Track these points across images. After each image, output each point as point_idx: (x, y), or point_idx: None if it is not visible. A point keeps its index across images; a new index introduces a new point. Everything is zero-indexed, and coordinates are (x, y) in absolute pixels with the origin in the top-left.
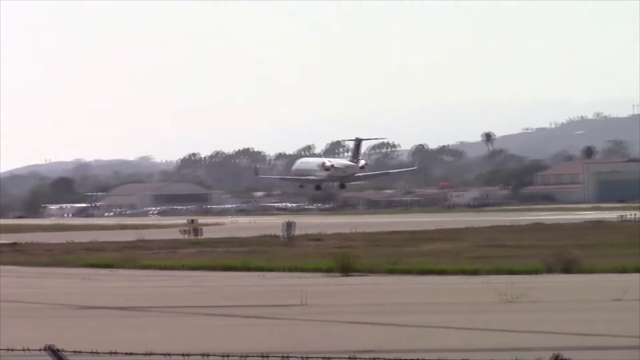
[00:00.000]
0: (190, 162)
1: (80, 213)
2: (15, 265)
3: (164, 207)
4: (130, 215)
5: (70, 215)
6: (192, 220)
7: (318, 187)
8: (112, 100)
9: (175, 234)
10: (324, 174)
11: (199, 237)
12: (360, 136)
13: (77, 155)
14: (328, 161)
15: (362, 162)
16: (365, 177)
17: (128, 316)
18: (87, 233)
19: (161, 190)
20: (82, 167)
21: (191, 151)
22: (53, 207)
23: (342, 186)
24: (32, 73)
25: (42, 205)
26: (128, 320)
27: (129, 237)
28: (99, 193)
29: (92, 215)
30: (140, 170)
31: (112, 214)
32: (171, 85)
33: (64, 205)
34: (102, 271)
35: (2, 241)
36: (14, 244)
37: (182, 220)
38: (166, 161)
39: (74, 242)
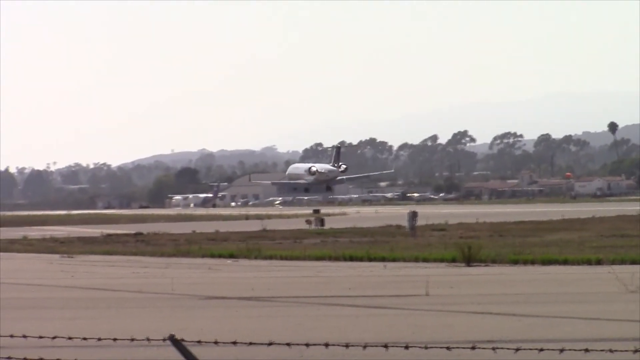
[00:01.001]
0: (315, 152)
1: (204, 203)
2: (139, 255)
3: (288, 198)
4: (254, 205)
5: (194, 205)
6: (316, 211)
7: (307, 190)
8: (237, 92)
9: (299, 224)
10: (311, 177)
11: (323, 227)
12: (342, 142)
13: (202, 146)
14: (313, 166)
15: (343, 167)
16: (347, 179)
17: (252, 306)
18: (211, 223)
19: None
20: (206, 157)
21: (315, 141)
22: (177, 197)
23: (329, 188)
24: (151, 64)
25: (167, 196)
26: (252, 311)
27: (253, 227)
28: (223, 183)
29: (216, 206)
30: (264, 161)
31: (236, 204)
32: (296, 76)
33: (188, 196)
34: (227, 261)
35: (126, 231)
36: (138, 234)
37: (306, 210)
38: (291, 151)
39: (198, 232)
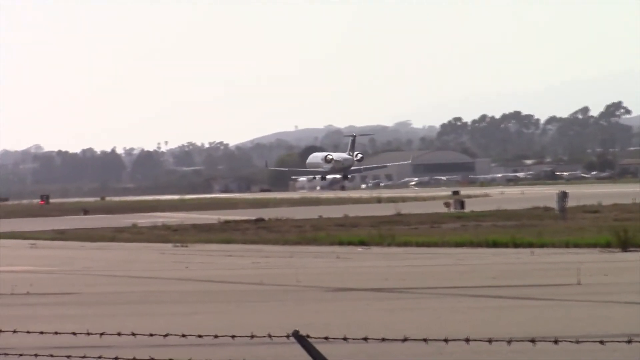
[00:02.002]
0: (453, 127)
1: (332, 185)
2: (260, 243)
3: (424, 178)
4: (387, 187)
5: (321, 187)
6: (456, 192)
7: (323, 178)
8: (364, 62)
9: (437, 207)
10: (328, 166)
11: (463, 210)
12: (355, 133)
13: (328, 122)
14: (329, 155)
15: (359, 156)
16: (365, 169)
17: (385, 298)
18: (340, 207)
19: (421, 159)
20: (333, 134)
21: (454, 115)
22: (302, 178)
23: (345, 177)
24: (267, 34)
25: (291, 177)
26: (384, 303)
27: (385, 211)
28: None
29: (345, 188)
30: (398, 137)
31: (367, 185)
32: (430, 44)
33: (314, 177)
34: (357, 249)
35: (246, 217)
36: (260, 220)
37: (444, 192)
38: (427, 127)
39: (325, 218)
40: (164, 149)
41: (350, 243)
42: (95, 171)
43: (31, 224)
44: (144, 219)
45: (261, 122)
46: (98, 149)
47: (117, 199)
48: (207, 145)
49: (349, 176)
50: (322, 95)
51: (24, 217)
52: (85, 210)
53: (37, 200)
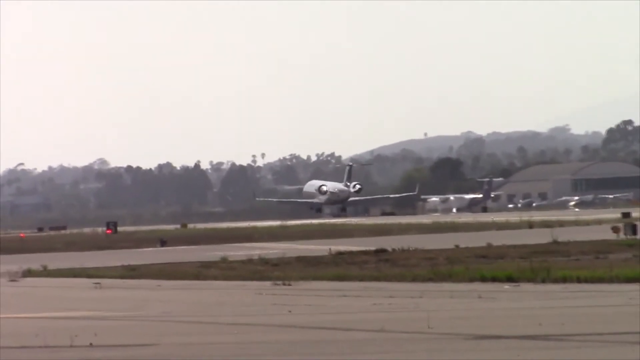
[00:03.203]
0: (622, 133)
1: (471, 206)
2: (382, 280)
3: (586, 196)
4: (541, 207)
5: (457, 209)
6: (626, 214)
7: (318, 210)
8: (511, 59)
9: (603, 233)
10: (323, 197)
11: (636, 236)
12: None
13: (466, 127)
14: (324, 185)
15: (356, 186)
16: (366, 200)
17: (539, 348)
18: (481, 234)
19: (582, 173)
20: (472, 142)
21: (623, 118)
22: (434, 198)
23: (343, 209)
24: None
25: (420, 197)
26: (539, 354)
27: (539, 239)
28: (497, 178)
29: (487, 209)
30: (553, 146)
31: (515, 206)
32: (593, 36)
33: (448, 197)
34: (504, 286)
35: (363, 247)
36: (381, 250)
37: (612, 214)
38: (589, 132)
39: (462, 247)
40: (260, 163)
41: (494, 279)
42: (174, 191)
43: (95, 259)
44: (236, 251)
45: (382, 129)
46: (177, 164)
47: (202, 226)
48: (314, 159)
49: (346, 208)
50: (458, 96)
51: (87, 250)
52: (163, 241)
53: (102, 229)
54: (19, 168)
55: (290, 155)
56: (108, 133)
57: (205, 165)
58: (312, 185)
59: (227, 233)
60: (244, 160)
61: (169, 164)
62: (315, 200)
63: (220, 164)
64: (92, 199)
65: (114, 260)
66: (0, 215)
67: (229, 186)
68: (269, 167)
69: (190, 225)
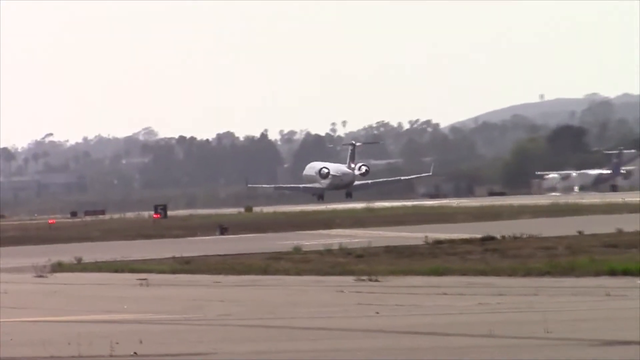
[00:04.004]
0: None
1: (597, 184)
2: (489, 275)
3: None
4: None
5: (580, 188)
6: None
7: (321, 197)
8: None
9: None
10: (325, 181)
11: None
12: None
13: (590, 89)
14: (325, 168)
15: (362, 168)
16: (374, 183)
17: None
18: (610, 218)
19: None
20: (598, 107)
21: None
22: (552, 175)
23: (348, 194)
24: None
25: (535, 173)
26: None
27: None
28: (630, 150)
29: (617, 188)
30: None
31: None
32: None
33: (570, 173)
34: (638, 281)
35: (466, 235)
36: (488, 238)
37: None
38: None
39: (587, 234)
40: (341, 132)
41: (626, 272)
42: (236, 167)
43: (141, 249)
44: (312, 240)
45: (489, 92)
46: (240, 134)
47: (269, 209)
48: (406, 126)
49: (352, 193)
50: (580, 51)
51: (130, 239)
52: (223, 228)
53: (149, 213)
54: (47, 140)
55: (378, 122)
56: (155, 97)
57: (274, 136)
58: (312, 167)
59: (301, 218)
60: (321, 129)
61: (229, 134)
62: (316, 185)
63: (292, 133)
64: (137, 177)
65: (163, 251)
66: (26, 197)
67: (302, 160)
68: (352, 137)
69: (256, 209)
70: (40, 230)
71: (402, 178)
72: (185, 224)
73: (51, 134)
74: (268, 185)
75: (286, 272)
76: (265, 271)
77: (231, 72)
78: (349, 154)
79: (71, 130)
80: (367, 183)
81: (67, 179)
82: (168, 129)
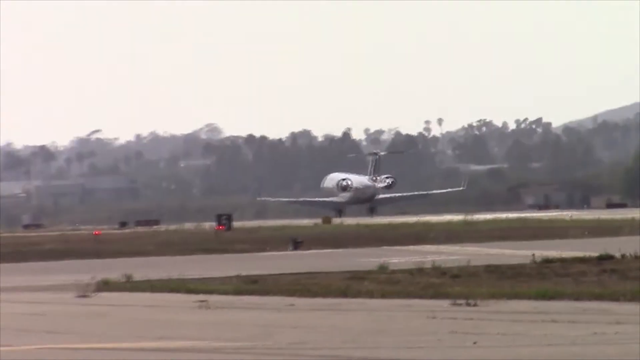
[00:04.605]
0: None
1: None
2: (607, 299)
3: None
4: None
5: None
6: None
7: (340, 212)
8: None
9: None
10: (345, 195)
11: None
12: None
13: None
14: (345, 179)
15: (387, 180)
16: (400, 197)
17: None
18: None
19: None
20: None
21: None
22: None
23: (372, 209)
24: None
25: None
26: None
27: None
28: None
29: None
30: None
31: None
32: None
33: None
34: None
35: (583, 253)
36: (606, 257)
37: None
38: None
39: None
40: (436, 131)
41: None
42: (313, 171)
43: (201, 266)
44: (401, 257)
45: (610, 87)
46: (319, 133)
47: (351, 220)
48: (512, 126)
49: (375, 208)
50: None
51: (188, 254)
52: (297, 241)
53: (211, 224)
54: (94, 137)
55: (479, 121)
56: (220, 89)
57: (358, 135)
58: (332, 179)
59: (387, 231)
60: (413, 128)
61: (306, 133)
62: (335, 199)
63: (380, 132)
64: (197, 182)
65: (227, 268)
66: (67, 203)
67: (392, 164)
68: (449, 137)
69: (336, 220)
70: (84, 242)
71: (433, 192)
72: (253, 237)
73: (98, 131)
74: (280, 199)
75: (370, 295)
76: (345, 293)
77: (308, 61)
78: (371, 164)
79: (121, 127)
80: (392, 197)
81: (116, 184)
82: (234, 127)
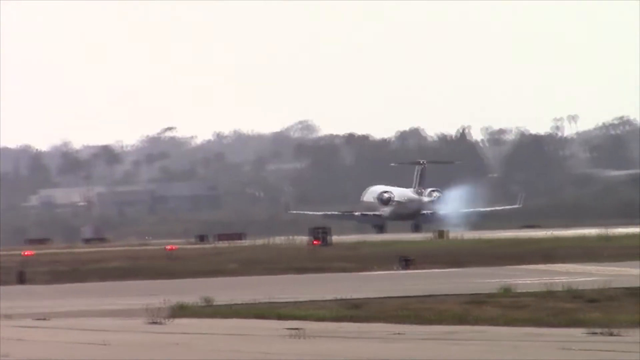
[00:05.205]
0: None
1: None
2: None
3: None
4: None
5: None
6: None
7: (381, 227)
8: None
9: None
10: (386, 209)
11: None
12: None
13: None
14: (387, 192)
15: (433, 194)
16: (446, 213)
17: None
18: None
19: None
20: None
21: None
22: None
23: (416, 226)
24: None
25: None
26: None
27: None
28: None
29: None
30: None
31: None
32: None
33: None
34: None
35: None
36: None
37: None
38: None
39: None
40: (568, 131)
41: None
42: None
43: (294, 288)
44: (527, 277)
45: None
46: (430, 131)
47: (469, 235)
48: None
49: (420, 225)
50: None
51: (279, 273)
52: (406, 259)
53: (305, 238)
54: (166, 136)
55: (618, 119)
56: (315, 81)
57: (476, 135)
58: (372, 192)
59: (512, 248)
60: (540, 127)
61: (415, 132)
62: (374, 213)
63: (501, 132)
64: (288, 189)
65: (324, 290)
66: (136, 213)
67: (516, 168)
68: (583, 138)
69: (453, 235)
70: (155, 259)
71: (493, 209)
72: (355, 254)
73: (172, 128)
74: (315, 213)
75: (492, 322)
76: (463, 320)
77: (417, 50)
78: (416, 175)
79: (199, 124)
80: (438, 213)
81: (193, 190)
82: (331, 125)
